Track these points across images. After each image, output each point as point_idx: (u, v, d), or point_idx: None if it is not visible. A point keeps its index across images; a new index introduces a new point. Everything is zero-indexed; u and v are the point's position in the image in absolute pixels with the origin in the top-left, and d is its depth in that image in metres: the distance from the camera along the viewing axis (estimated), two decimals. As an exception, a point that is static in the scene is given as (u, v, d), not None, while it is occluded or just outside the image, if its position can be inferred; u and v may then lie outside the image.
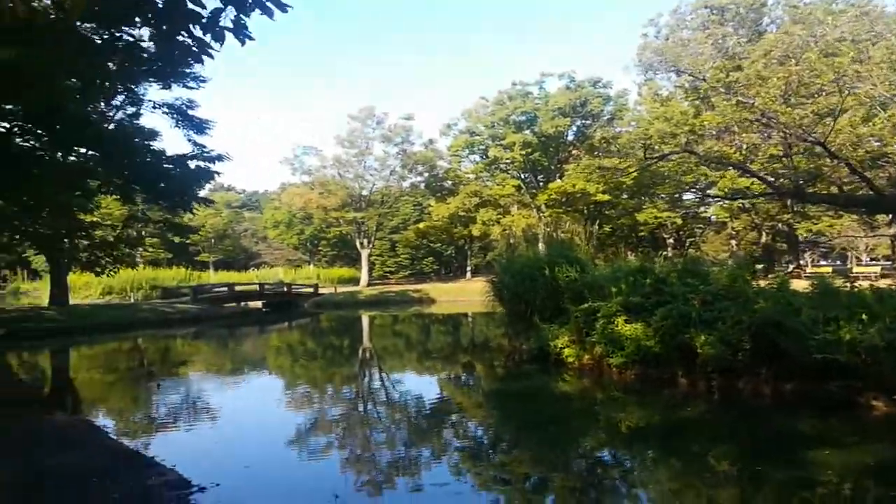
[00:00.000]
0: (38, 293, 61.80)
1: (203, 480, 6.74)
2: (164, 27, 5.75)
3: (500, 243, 26.07)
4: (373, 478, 7.38)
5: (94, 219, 32.36)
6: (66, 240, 29.09)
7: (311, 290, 46.86)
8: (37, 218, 26.80)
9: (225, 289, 40.45)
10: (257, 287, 43.86)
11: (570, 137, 52.71)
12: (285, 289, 45.44)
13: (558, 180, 50.64)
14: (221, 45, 5.42)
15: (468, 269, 66.96)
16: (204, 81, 26.04)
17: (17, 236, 28.70)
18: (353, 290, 53.18)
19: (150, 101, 28.25)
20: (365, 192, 59.59)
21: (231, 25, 5.30)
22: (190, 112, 27.36)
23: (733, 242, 52.13)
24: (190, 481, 6.74)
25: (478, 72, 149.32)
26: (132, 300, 44.81)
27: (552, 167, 53.30)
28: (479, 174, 56.28)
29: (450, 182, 58.40)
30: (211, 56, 5.82)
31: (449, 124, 55.79)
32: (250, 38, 5.43)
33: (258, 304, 42.48)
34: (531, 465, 8.06)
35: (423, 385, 15.29)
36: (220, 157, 27.41)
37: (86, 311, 29.65)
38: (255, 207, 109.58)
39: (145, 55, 17.05)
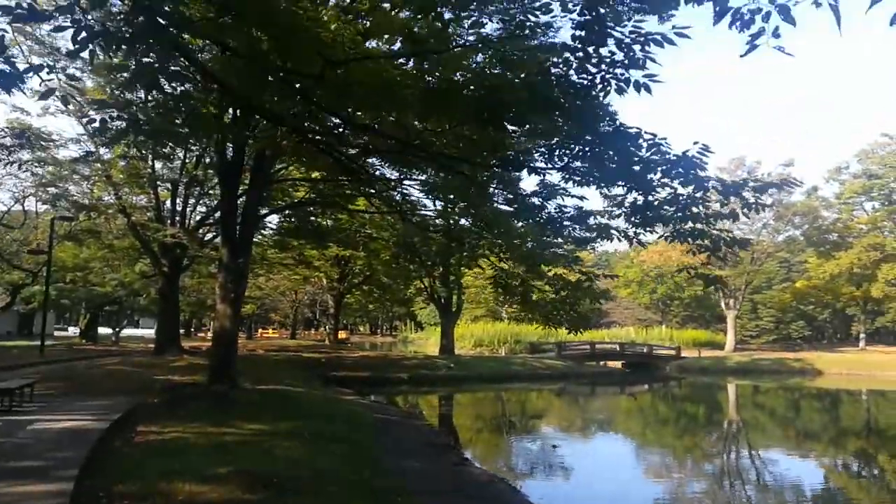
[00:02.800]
0: (423, 342, 71.72)
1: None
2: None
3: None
4: None
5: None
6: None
7: (672, 352, 44.23)
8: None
9: (587, 347, 40.59)
10: (617, 347, 43.07)
11: None
12: (645, 350, 43.77)
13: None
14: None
15: (861, 336, 55.83)
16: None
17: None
18: (718, 354, 48.51)
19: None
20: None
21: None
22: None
23: None
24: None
25: (861, 110, 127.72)
26: (500, 353, 48.17)
27: None
28: (880, 224, 46.94)
29: (836, 234, 50.08)
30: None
31: (839, 167, 48.17)
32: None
33: (617, 363, 41.62)
34: None
35: None
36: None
37: (469, 362, 32.52)
38: (603, 266, 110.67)
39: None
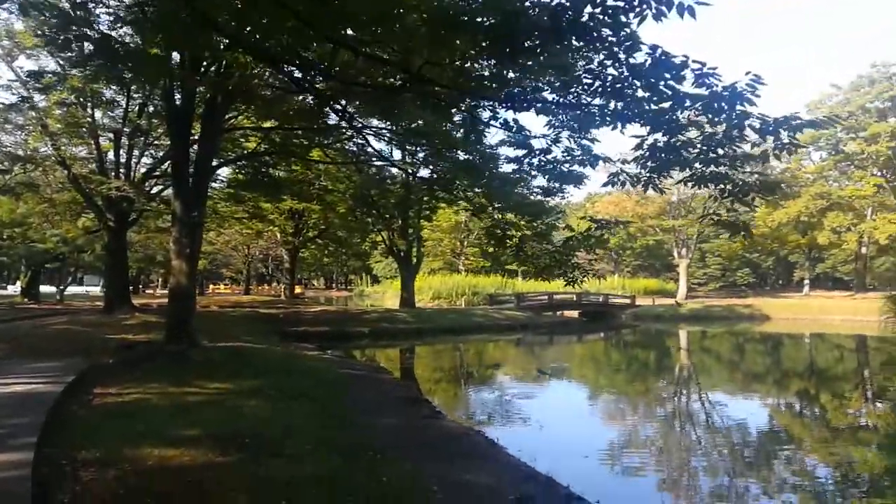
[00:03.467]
0: (379, 296, 71.48)
1: None
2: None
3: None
4: None
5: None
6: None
7: (627, 301, 45.30)
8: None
9: (545, 297, 41.09)
10: (574, 297, 43.74)
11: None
12: (601, 299, 44.63)
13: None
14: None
15: (805, 282, 58.30)
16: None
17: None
18: (671, 302, 49.95)
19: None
20: (684, 198, 55.88)
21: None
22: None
23: None
24: None
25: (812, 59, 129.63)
26: (458, 305, 48.39)
27: (927, 159, 43.48)
28: (826, 173, 48.47)
29: (784, 184, 51.52)
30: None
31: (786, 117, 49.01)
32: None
33: (574, 313, 42.37)
34: None
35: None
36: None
37: (430, 315, 32.53)
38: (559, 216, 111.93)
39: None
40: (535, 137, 7.30)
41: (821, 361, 24.16)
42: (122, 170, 24.14)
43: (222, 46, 9.09)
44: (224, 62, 14.62)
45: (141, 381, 10.89)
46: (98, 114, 23.51)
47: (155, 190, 26.59)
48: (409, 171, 32.42)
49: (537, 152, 7.17)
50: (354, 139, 24.84)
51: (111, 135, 24.03)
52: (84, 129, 23.03)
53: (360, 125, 22.94)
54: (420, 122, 14.18)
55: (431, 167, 17.07)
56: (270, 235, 47.09)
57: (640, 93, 5.92)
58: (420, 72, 6.47)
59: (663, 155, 6.47)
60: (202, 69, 14.53)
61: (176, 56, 14.32)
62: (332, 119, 23.84)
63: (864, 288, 55.82)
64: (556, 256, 9.68)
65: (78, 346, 14.31)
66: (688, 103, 5.85)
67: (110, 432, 7.41)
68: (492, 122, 7.14)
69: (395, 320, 29.58)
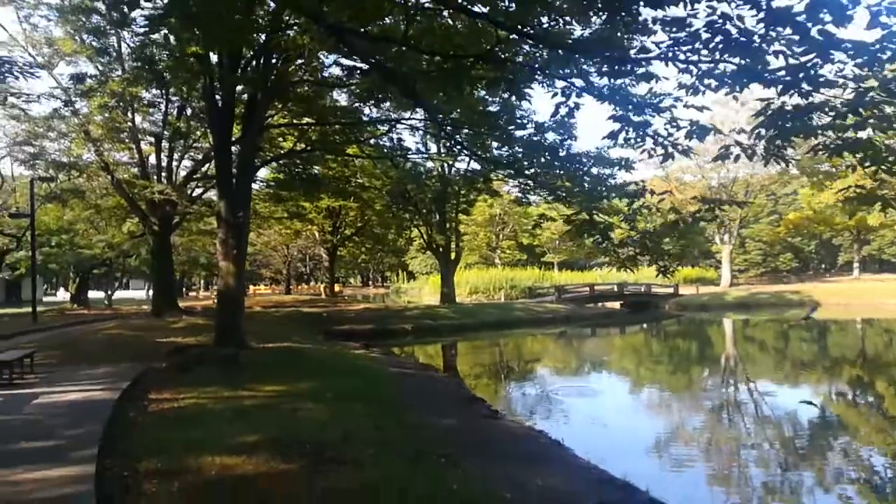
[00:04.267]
0: (416, 291, 71.34)
1: None
2: None
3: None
4: None
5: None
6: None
7: (670, 290, 44.18)
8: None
9: (586, 289, 40.37)
10: (615, 287, 42.87)
11: None
12: (643, 289, 43.65)
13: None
14: None
15: (855, 265, 56.18)
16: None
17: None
18: (715, 290, 48.62)
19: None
20: (724, 182, 54.34)
21: None
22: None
23: None
24: None
25: None
26: (496, 299, 47.98)
27: None
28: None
29: (828, 164, 49.60)
30: None
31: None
32: None
33: (615, 304, 41.51)
34: None
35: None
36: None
37: (471, 310, 32.17)
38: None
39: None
40: (648, 104, 6.56)
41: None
42: (163, 173, 24.33)
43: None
44: (262, 59, 14.47)
45: (195, 385, 10.74)
46: (138, 118, 23.70)
47: (196, 192, 26.73)
48: (448, 163, 32.25)
49: (636, 124, 6.52)
50: (392, 132, 24.64)
51: (152, 139, 24.20)
52: (125, 134, 23.23)
53: (395, 118, 22.77)
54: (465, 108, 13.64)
55: (477, 154, 16.44)
56: (309, 234, 47.24)
57: (775, 46, 5.23)
58: (523, 30, 5.94)
59: (788, 121, 5.71)
60: (241, 67, 14.37)
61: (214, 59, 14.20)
62: (366, 116, 23.84)
63: (921, 270, 53.66)
64: (646, 243, 9.03)
65: (129, 351, 14.31)
66: (837, 55, 5.05)
67: (170, 440, 7.19)
68: (582, 93, 6.48)
69: (436, 316, 29.28)
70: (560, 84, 6.91)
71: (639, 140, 6.74)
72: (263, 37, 14.09)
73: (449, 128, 22.40)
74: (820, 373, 17.67)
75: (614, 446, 9.34)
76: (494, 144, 16.62)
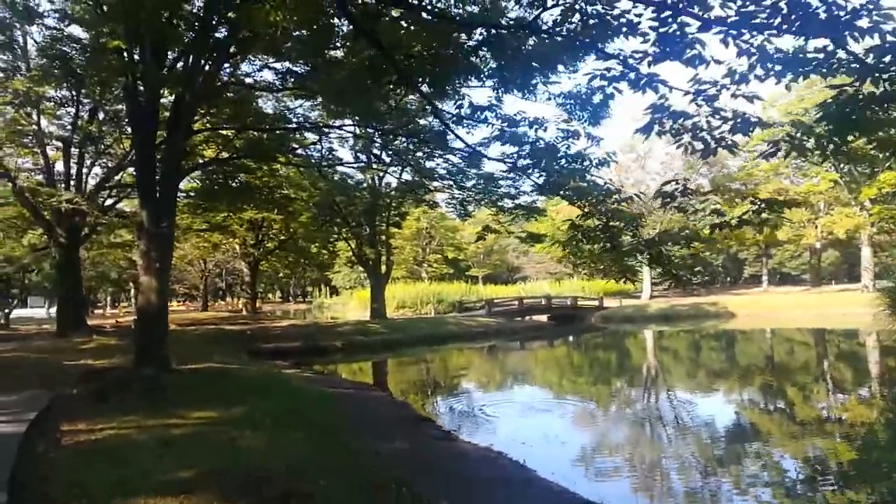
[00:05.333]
0: (339, 307, 69.79)
1: None
2: None
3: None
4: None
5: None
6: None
7: (595, 303, 45.24)
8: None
9: (516, 303, 40.57)
10: (542, 300, 43.37)
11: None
12: (569, 302, 44.40)
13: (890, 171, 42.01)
14: None
15: (764, 278, 59.50)
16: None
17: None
18: (637, 303, 50.10)
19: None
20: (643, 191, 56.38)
21: None
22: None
23: None
24: None
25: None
26: (424, 313, 47.41)
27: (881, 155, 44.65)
28: (781, 170, 49.50)
29: (739, 183, 52.49)
30: None
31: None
32: None
33: (542, 317, 41.89)
34: None
35: None
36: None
37: (403, 325, 31.49)
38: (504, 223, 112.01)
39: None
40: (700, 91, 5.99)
41: (801, 356, 24.20)
42: (72, 181, 22.47)
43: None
44: (191, 58, 13.51)
45: (113, 414, 9.64)
46: (44, 121, 21.82)
47: (108, 202, 24.88)
48: (378, 175, 31.62)
49: (675, 115, 6.12)
50: (322, 142, 23.89)
51: (59, 143, 22.33)
52: (29, 138, 21.32)
53: (328, 125, 22.05)
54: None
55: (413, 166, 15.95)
56: (228, 247, 45.28)
57: (863, 21, 4.89)
58: None
59: (858, 112, 5.34)
60: (167, 66, 13.36)
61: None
62: (292, 124, 22.99)
63: (819, 282, 57.30)
64: (661, 251, 8.69)
65: (34, 377, 12.87)
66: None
67: (93, 480, 6.27)
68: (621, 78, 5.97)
69: (367, 332, 28.46)
70: (594, 66, 6.28)
71: (675, 134, 6.34)
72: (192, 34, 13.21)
73: (385, 137, 22.00)
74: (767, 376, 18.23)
75: (577, 466, 9.04)
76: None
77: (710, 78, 5.99)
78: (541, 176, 8.14)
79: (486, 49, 6.11)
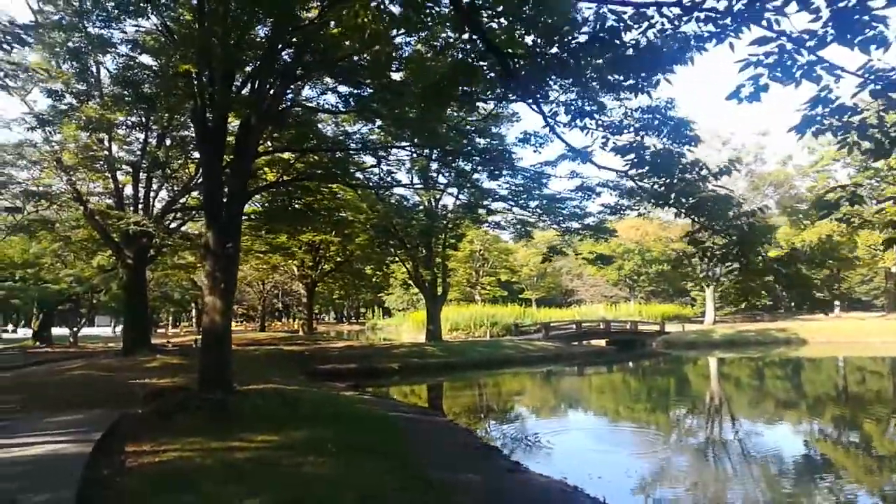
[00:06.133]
0: (393, 329, 69.81)
1: None
2: None
3: None
4: None
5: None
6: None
7: (656, 328, 43.72)
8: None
9: (573, 327, 39.54)
10: (600, 324, 42.15)
11: None
12: (629, 326, 43.02)
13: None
14: None
15: (836, 304, 56.47)
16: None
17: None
18: (701, 328, 48.18)
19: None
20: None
21: None
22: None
23: None
24: None
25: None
26: (478, 336, 46.84)
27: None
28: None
29: (806, 204, 50.18)
30: None
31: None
32: None
33: (601, 342, 40.63)
34: None
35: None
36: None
37: (460, 348, 31.00)
38: (569, 244, 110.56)
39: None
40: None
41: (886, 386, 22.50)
42: (140, 204, 23.07)
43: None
44: (258, 81, 13.62)
45: (178, 435, 9.49)
46: (115, 147, 22.52)
47: (174, 225, 25.44)
48: (435, 197, 31.52)
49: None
50: (381, 165, 23.86)
51: (129, 168, 22.99)
52: (101, 163, 22.01)
53: (389, 145, 22.01)
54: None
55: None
56: (286, 269, 45.87)
57: None
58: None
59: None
60: (234, 89, 13.48)
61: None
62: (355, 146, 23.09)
63: (894, 308, 54.06)
64: (799, 271, 8.06)
65: (100, 395, 12.99)
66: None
67: (158, 509, 6.03)
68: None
69: (424, 354, 28.08)
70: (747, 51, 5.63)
71: (836, 132, 5.66)
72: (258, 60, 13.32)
73: (445, 157, 21.78)
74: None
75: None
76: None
77: (884, 65, 5.17)
78: (661, 187, 7.43)
79: (597, 44, 5.61)
